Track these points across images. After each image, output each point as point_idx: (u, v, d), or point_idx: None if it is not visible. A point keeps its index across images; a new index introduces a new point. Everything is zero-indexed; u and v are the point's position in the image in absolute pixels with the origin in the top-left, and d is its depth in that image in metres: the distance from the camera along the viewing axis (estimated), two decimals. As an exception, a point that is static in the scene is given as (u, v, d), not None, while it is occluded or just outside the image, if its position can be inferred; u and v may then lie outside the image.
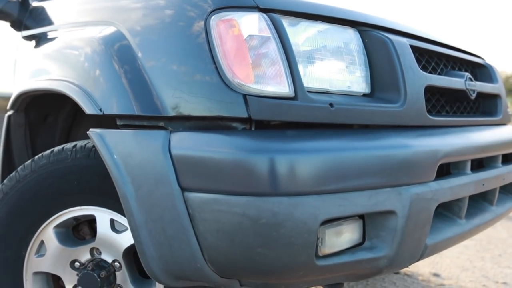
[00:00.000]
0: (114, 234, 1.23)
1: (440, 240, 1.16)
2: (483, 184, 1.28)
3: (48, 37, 1.53)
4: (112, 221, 1.23)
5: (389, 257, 1.01)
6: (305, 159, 0.89)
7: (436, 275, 2.53)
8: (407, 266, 1.17)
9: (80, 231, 1.34)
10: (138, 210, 0.98)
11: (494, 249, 3.06)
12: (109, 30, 1.17)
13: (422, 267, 2.65)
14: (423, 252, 1.11)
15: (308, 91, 0.98)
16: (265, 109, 0.92)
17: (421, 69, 1.25)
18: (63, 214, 1.26)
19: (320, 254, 0.94)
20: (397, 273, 2.52)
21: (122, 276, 1.25)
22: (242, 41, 0.94)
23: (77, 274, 1.26)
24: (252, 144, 0.90)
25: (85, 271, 1.24)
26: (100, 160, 1.10)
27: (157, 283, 1.22)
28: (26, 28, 1.61)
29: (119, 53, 1.11)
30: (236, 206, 0.88)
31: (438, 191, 1.09)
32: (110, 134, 1.04)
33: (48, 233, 1.27)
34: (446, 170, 1.25)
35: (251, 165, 0.87)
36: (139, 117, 1.04)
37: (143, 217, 0.98)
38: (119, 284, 1.26)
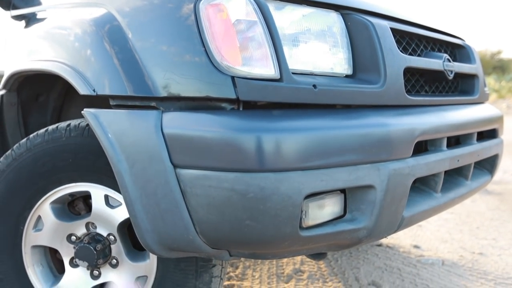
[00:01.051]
0: (108, 209, 1.28)
1: (416, 213, 1.24)
2: (458, 160, 1.36)
3: (38, 17, 1.55)
4: (106, 197, 1.28)
5: (368, 228, 1.09)
6: (290, 137, 0.95)
7: (416, 247, 2.65)
8: (386, 237, 1.25)
9: (75, 207, 1.39)
10: (133, 186, 1.04)
11: (472, 222, 3.20)
12: (100, 11, 1.20)
13: (403, 240, 2.77)
14: (400, 224, 1.19)
15: (293, 73, 1.03)
16: (252, 90, 0.98)
17: (401, 50, 1.31)
18: (58, 190, 1.31)
19: (303, 225, 1.01)
20: (379, 245, 2.63)
21: (117, 249, 1.32)
22: (230, 25, 0.99)
23: (74, 247, 1.32)
24: (240, 123, 0.96)
25: (82, 244, 1.30)
26: (94, 138, 1.15)
27: (150, 254, 1.29)
28: (15, 7, 1.63)
29: (110, 35, 1.14)
30: (225, 181, 0.95)
31: (414, 166, 1.16)
32: (104, 114, 1.09)
33: (44, 208, 1.33)
34: (423, 147, 1.33)
35: (239, 143, 0.93)
36: (131, 97, 1.09)
37: (138, 193, 1.04)
38: (114, 256, 1.33)
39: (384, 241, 2.71)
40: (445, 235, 2.89)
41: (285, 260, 2.34)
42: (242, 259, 2.32)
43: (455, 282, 2.14)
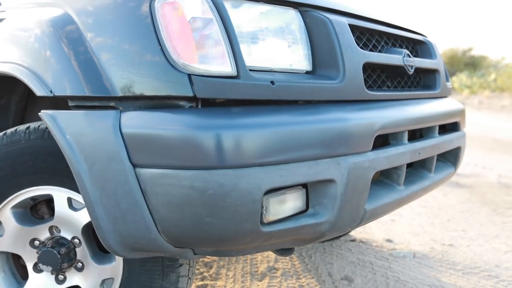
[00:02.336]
0: (72, 212, 1.27)
1: (379, 205, 1.26)
2: (419, 153, 1.39)
3: (-4, 19, 1.52)
4: (69, 200, 1.27)
5: (330, 222, 1.11)
6: (248, 134, 0.95)
7: (389, 240, 2.69)
8: (349, 231, 1.27)
9: (38, 211, 1.37)
10: (92, 187, 1.03)
11: (443, 214, 3.27)
12: (57, 11, 1.19)
13: (376, 234, 2.81)
14: (363, 217, 1.21)
15: (252, 70, 1.04)
16: (210, 88, 0.98)
17: (362, 46, 1.33)
18: (19, 194, 1.28)
19: (265, 221, 1.02)
20: (353, 240, 2.67)
21: (82, 252, 1.30)
22: (186, 23, 0.99)
23: (37, 252, 1.30)
24: (198, 121, 0.96)
25: (45, 249, 1.28)
26: (54, 140, 1.13)
27: (116, 256, 1.27)
28: (-27, 9, 1.59)
29: (68, 35, 1.13)
30: (184, 179, 0.95)
31: (375, 160, 1.18)
32: (62, 115, 1.08)
33: (5, 213, 1.30)
34: (385, 141, 1.35)
35: (198, 140, 0.93)
36: (90, 97, 1.08)
37: (98, 193, 1.03)
38: (79, 260, 1.31)
39: (357, 236, 2.74)
40: (417, 228, 2.95)
41: (259, 258, 2.35)
42: (216, 258, 2.31)
43: (425, 274, 2.19)
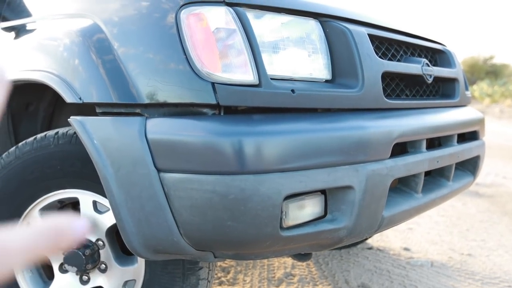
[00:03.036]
0: (97, 214, 1.31)
1: (397, 212, 1.27)
2: (437, 161, 1.40)
3: (27, 28, 1.58)
4: (94, 203, 1.31)
5: (348, 228, 1.12)
6: (269, 140, 0.98)
7: (406, 249, 2.68)
8: (367, 237, 1.28)
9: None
10: (118, 190, 1.07)
11: (462, 224, 3.23)
12: (86, 22, 1.24)
13: (394, 243, 2.80)
14: (381, 223, 1.23)
15: (273, 79, 1.07)
16: (232, 96, 1.01)
17: (381, 56, 1.35)
18: (47, 197, 1.33)
19: (284, 226, 1.04)
20: (370, 248, 2.66)
21: (106, 254, 1.34)
22: (210, 33, 1.02)
23: (63, 253, 1.35)
24: (221, 128, 0.99)
25: (71, 250, 1.33)
26: (82, 145, 1.18)
27: (138, 258, 1.31)
28: (5, 19, 1.66)
29: (96, 45, 1.18)
30: (207, 184, 0.98)
31: (393, 167, 1.19)
32: (90, 121, 1.12)
33: (33, 215, 1.35)
34: (403, 149, 1.36)
35: (220, 147, 0.97)
36: (116, 104, 1.12)
37: (123, 196, 1.07)
38: (103, 261, 1.35)
39: (374, 244, 2.74)
40: (435, 237, 2.92)
41: (276, 264, 2.37)
42: (234, 263, 2.34)
43: (443, 283, 2.17)
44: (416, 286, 2.13)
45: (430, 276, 2.26)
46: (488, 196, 4.05)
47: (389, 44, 1.44)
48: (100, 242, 1.34)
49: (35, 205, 1.34)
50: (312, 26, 1.20)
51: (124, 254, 1.37)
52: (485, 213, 3.51)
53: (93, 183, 1.27)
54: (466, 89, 1.89)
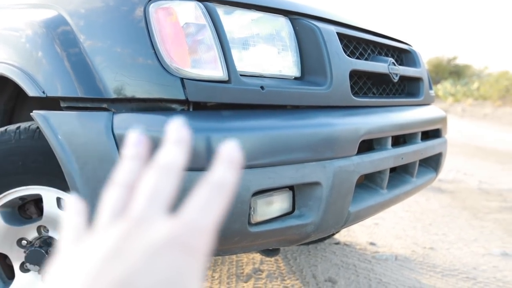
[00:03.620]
0: (61, 212, 1.28)
1: (362, 208, 1.30)
2: (402, 158, 1.44)
3: (-13, 18, 1.52)
4: (58, 199, 1.28)
5: (315, 223, 1.14)
6: (238, 137, 0.98)
7: (372, 244, 2.74)
8: (333, 232, 1.30)
9: (26, 210, 1.38)
10: (83, 186, 1.04)
11: (425, 219, 3.34)
12: (51, 13, 1.20)
13: (360, 237, 2.86)
14: (347, 219, 1.25)
15: (242, 75, 1.07)
16: (201, 92, 1.01)
17: (349, 54, 1.37)
18: (8, 194, 1.29)
19: (252, 221, 1.05)
20: (337, 243, 2.71)
21: (70, 251, 1.31)
22: (179, 28, 1.01)
23: (24, 252, 1.31)
24: (189, 124, 0.98)
25: (32, 248, 1.29)
26: (45, 141, 1.14)
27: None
28: (-37, 8, 1.59)
29: (61, 37, 1.14)
30: (175, 180, 0.97)
31: (359, 164, 1.22)
32: (54, 116, 1.09)
33: (-6, 212, 1.30)
34: (370, 145, 1.39)
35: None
36: (82, 99, 1.10)
37: (89, 193, 1.04)
38: (67, 259, 1.32)
39: (341, 239, 2.79)
40: (400, 232, 3.00)
41: (244, 260, 2.38)
42: (202, 260, 2.33)
43: (406, 276, 2.24)
44: (381, 279, 2.18)
45: (394, 269, 2.32)
46: (450, 192, 4.20)
47: (357, 43, 1.47)
48: (64, 240, 1.31)
49: (-5, 202, 1.29)
50: (282, 23, 1.20)
51: (89, 251, 1.34)
52: (447, 208, 3.63)
53: (57, 179, 1.24)
54: (430, 88, 1.95)
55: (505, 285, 2.16)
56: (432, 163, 1.80)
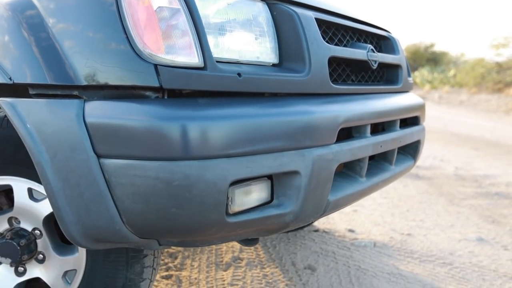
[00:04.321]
0: (32, 202, 1.24)
1: (342, 196, 1.29)
2: (381, 146, 1.44)
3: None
4: (30, 190, 1.23)
5: (294, 213, 1.13)
6: (214, 125, 0.95)
7: (351, 231, 2.77)
8: (312, 221, 1.30)
9: (-4, 202, 1.33)
10: (54, 177, 1.01)
11: (403, 205, 3.38)
12: (17, -4, 1.14)
13: (339, 225, 2.88)
14: (326, 207, 1.24)
15: (219, 61, 1.04)
16: (176, 79, 0.97)
17: (327, 41, 1.35)
18: (-24, 185, 1.24)
19: (230, 212, 1.03)
20: (316, 231, 2.72)
21: (43, 243, 1.28)
22: (152, 12, 0.97)
23: (-5, 244, 1.26)
24: (164, 111, 0.95)
25: (4, 241, 1.25)
26: (14, 129, 1.10)
27: (79, 248, 1.25)
28: None
29: (28, 20, 1.09)
30: (149, 170, 0.94)
31: (338, 152, 1.21)
32: (22, 104, 1.04)
33: (-39, 204, 1.25)
34: (349, 133, 1.38)
35: (163, 131, 0.93)
36: (52, 86, 1.05)
37: (60, 184, 1.01)
38: (40, 251, 1.28)
39: (321, 226, 2.80)
40: (378, 219, 3.04)
41: (224, 248, 2.37)
42: (181, 249, 2.31)
43: (385, 262, 2.27)
44: (359, 266, 2.20)
45: (372, 256, 2.35)
46: (427, 178, 4.26)
47: (335, 29, 1.45)
48: (37, 232, 1.27)
49: (-38, 194, 1.24)
50: (259, 8, 1.17)
51: (63, 243, 1.30)
52: (424, 195, 3.69)
53: (28, 170, 1.20)
54: (409, 75, 1.95)
55: (481, 269, 2.21)
56: (411, 150, 1.81)
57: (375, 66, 1.53)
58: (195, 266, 2.14)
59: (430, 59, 29.54)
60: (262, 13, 1.18)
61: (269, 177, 1.10)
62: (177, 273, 2.06)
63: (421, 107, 1.84)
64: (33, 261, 1.29)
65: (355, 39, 1.55)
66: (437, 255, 2.39)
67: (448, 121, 9.52)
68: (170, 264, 2.14)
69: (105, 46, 0.99)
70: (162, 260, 2.18)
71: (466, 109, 13.10)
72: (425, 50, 30.42)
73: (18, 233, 1.27)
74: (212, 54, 1.01)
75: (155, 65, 0.96)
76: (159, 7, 0.98)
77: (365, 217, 3.06)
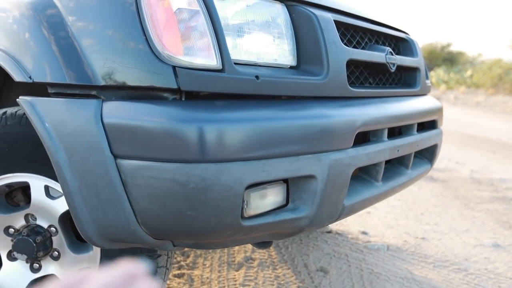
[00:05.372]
0: (49, 200, 1.25)
1: (357, 201, 1.28)
2: (398, 150, 1.42)
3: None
4: (46, 188, 1.24)
5: (309, 217, 1.12)
6: (231, 128, 0.95)
7: (364, 233, 2.74)
8: (327, 225, 1.29)
9: (13, 198, 1.34)
10: (72, 176, 1.01)
11: (417, 208, 3.34)
12: (38, -5, 1.15)
13: (352, 226, 2.86)
14: (342, 212, 1.23)
15: (236, 64, 1.03)
16: (194, 81, 0.97)
17: (346, 43, 1.34)
18: (-5, 181, 1.25)
19: (245, 215, 1.02)
20: (329, 232, 2.71)
21: (59, 241, 1.29)
22: (172, 14, 0.97)
23: (12, 240, 1.28)
24: (181, 113, 0.95)
25: (20, 237, 1.26)
26: (32, 127, 1.10)
27: (93, 246, 1.26)
28: None
29: (49, 19, 1.10)
30: (166, 172, 0.94)
31: (355, 157, 1.20)
32: (41, 102, 1.05)
33: (-21, 200, 1.27)
34: (365, 137, 1.37)
35: (181, 133, 0.93)
36: (71, 85, 1.06)
37: (77, 183, 1.01)
38: (55, 248, 1.29)
39: (333, 228, 2.79)
40: (392, 221, 3.01)
41: (236, 248, 2.36)
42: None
43: (398, 266, 2.24)
44: (372, 269, 2.18)
45: (386, 259, 2.32)
46: (442, 181, 4.21)
47: (354, 31, 1.43)
48: (52, 229, 1.28)
49: (-19, 190, 1.26)
50: (278, 10, 1.16)
51: (78, 241, 1.31)
52: (439, 198, 3.64)
53: (45, 167, 1.20)
54: (427, 78, 1.92)
55: (496, 277, 2.17)
56: (427, 154, 1.79)
57: (393, 69, 1.51)
58: (207, 265, 2.14)
59: (447, 59, 29.17)
60: (281, 14, 1.17)
61: (285, 180, 1.10)
62: (189, 271, 2.06)
63: (439, 111, 1.82)
64: (48, 258, 1.30)
65: (373, 41, 1.53)
66: (451, 260, 2.36)
67: (464, 123, 9.39)
68: (182, 263, 2.15)
69: (124, 47, 0.99)
70: (175, 258, 2.19)
71: (482, 111, 12.90)
72: (441, 49, 30.03)
73: (34, 230, 1.28)
74: (231, 56, 1.01)
75: (174, 67, 0.96)
76: (178, 8, 0.97)
77: (379, 220, 3.03)
